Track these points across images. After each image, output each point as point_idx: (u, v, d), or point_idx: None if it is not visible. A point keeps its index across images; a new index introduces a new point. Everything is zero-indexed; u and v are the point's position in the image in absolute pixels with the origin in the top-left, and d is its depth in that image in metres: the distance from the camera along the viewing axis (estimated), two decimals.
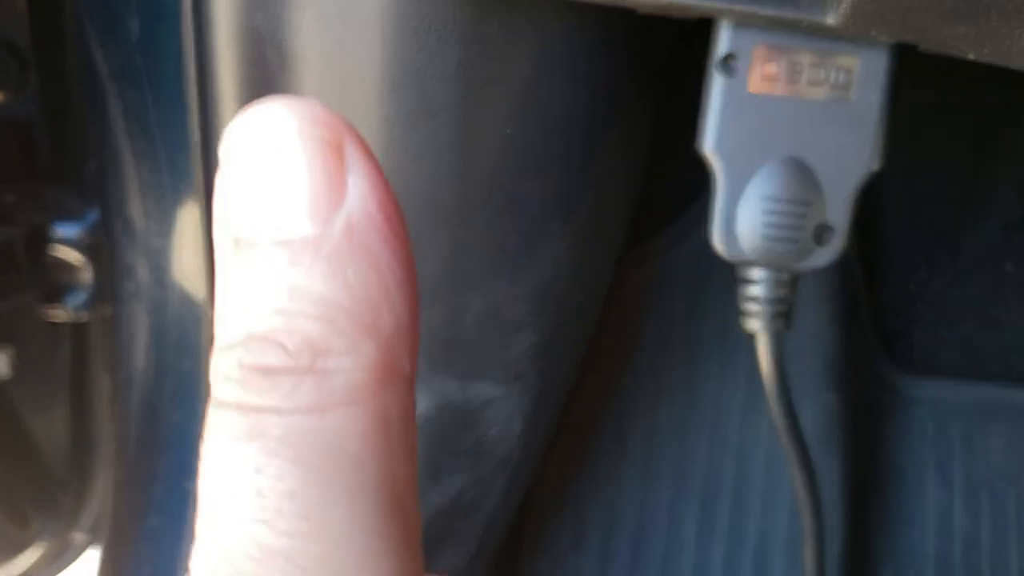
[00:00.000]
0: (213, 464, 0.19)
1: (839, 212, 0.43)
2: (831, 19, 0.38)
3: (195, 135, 0.46)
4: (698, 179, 0.44)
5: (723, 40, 0.41)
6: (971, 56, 0.39)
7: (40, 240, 0.57)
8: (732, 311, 0.48)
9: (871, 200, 0.75)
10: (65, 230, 0.57)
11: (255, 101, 0.19)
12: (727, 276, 0.48)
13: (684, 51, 0.50)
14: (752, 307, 0.46)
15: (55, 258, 0.57)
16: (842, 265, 0.74)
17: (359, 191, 0.19)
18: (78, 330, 0.61)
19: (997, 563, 0.75)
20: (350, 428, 0.19)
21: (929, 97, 0.72)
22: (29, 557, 0.63)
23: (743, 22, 0.41)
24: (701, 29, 0.43)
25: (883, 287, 0.79)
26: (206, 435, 0.19)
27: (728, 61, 0.42)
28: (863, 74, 0.41)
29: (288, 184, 0.19)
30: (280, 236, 0.19)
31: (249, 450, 0.18)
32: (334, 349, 0.19)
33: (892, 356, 0.79)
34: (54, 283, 0.57)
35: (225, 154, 0.19)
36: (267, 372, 0.19)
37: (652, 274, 0.75)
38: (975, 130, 0.76)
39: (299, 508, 0.18)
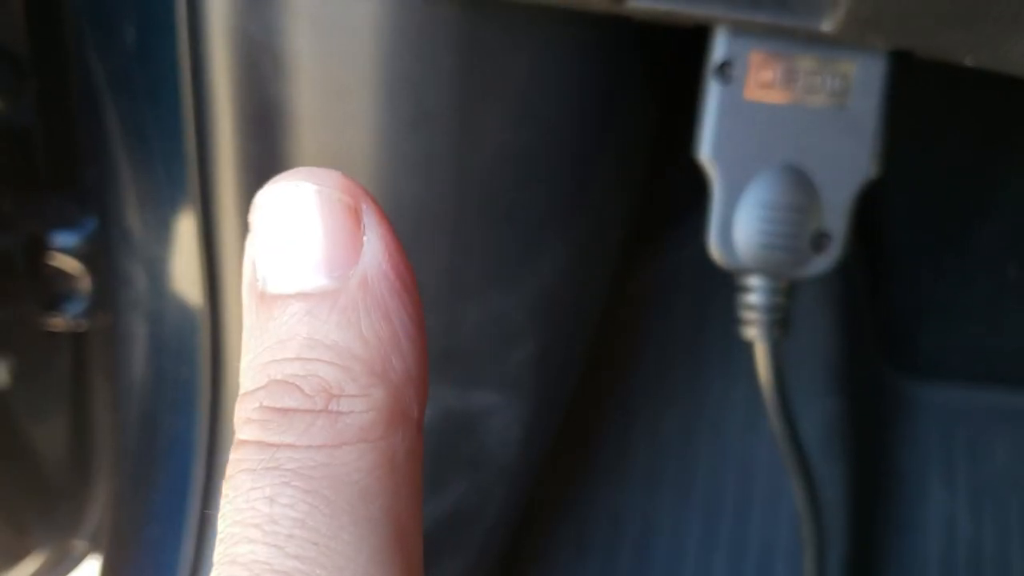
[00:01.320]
0: (231, 494, 0.20)
1: (837, 219, 0.42)
2: (827, 26, 0.38)
3: (191, 143, 0.46)
4: (702, 183, 0.44)
5: (719, 47, 0.41)
6: (967, 62, 0.38)
7: (38, 249, 0.57)
8: (734, 317, 0.48)
9: (875, 203, 0.75)
10: (63, 239, 0.57)
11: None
12: (730, 281, 0.48)
13: (684, 56, 0.49)
14: (750, 315, 0.46)
15: (53, 267, 0.57)
16: (845, 269, 0.74)
17: (374, 250, 0.21)
18: (77, 339, 0.61)
19: (1001, 569, 0.75)
20: (359, 464, 0.20)
21: (934, 99, 0.71)
22: (29, 565, 0.63)
23: (739, 29, 0.41)
24: (699, 35, 0.43)
25: (887, 291, 0.78)
26: (228, 470, 0.21)
27: (724, 68, 0.41)
28: (860, 80, 0.41)
29: (309, 242, 0.21)
30: (300, 288, 0.21)
31: (265, 481, 0.20)
32: (347, 392, 0.20)
33: (896, 360, 0.79)
34: (53, 292, 0.57)
35: (253, 218, 0.22)
36: (285, 412, 0.20)
37: (655, 279, 0.75)
38: (980, 133, 0.76)
39: (308, 535, 0.20)
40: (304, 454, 0.20)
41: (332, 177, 0.21)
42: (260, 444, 0.20)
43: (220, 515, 0.21)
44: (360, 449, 0.20)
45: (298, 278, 0.21)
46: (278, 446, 0.20)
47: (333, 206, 0.21)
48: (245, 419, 0.21)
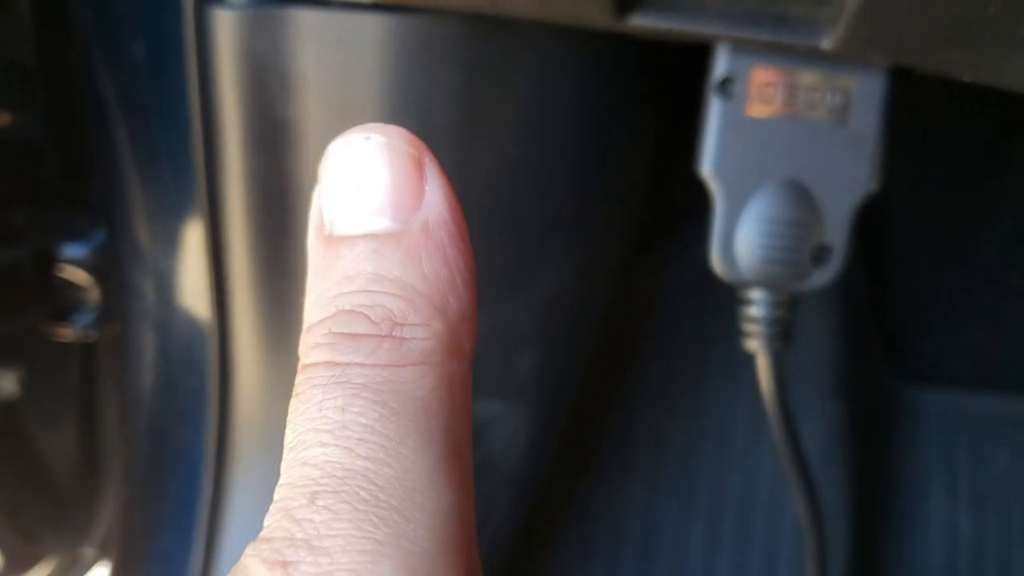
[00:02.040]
0: (302, 407, 0.22)
1: (837, 233, 0.43)
2: (827, 43, 0.38)
3: (199, 158, 0.47)
4: (702, 193, 0.45)
5: (720, 64, 0.42)
6: (966, 78, 0.39)
7: (48, 261, 0.57)
8: (737, 326, 0.49)
9: (877, 211, 0.75)
10: (72, 251, 0.57)
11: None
12: (732, 291, 0.48)
13: (686, 72, 0.50)
14: (752, 328, 0.46)
15: (62, 278, 0.57)
16: (847, 276, 0.74)
17: (435, 198, 0.23)
18: (86, 349, 0.61)
19: (1003, 573, 0.75)
20: (421, 382, 0.22)
21: (935, 108, 0.72)
22: (38, 574, 0.64)
23: (740, 46, 0.41)
24: (700, 52, 0.43)
25: (889, 298, 0.79)
26: (295, 389, 0.22)
27: (726, 85, 0.42)
28: (860, 96, 0.42)
29: (376, 188, 0.23)
30: (367, 230, 0.23)
31: (336, 393, 0.22)
32: (409, 321, 0.22)
33: (898, 367, 0.79)
34: (62, 303, 0.58)
35: (323, 168, 0.23)
36: (353, 337, 0.22)
37: (657, 289, 0.75)
38: (981, 140, 0.76)
39: (378, 439, 0.21)
40: (372, 371, 0.22)
41: (398, 131, 0.23)
42: (330, 363, 0.22)
43: (289, 427, 0.22)
44: (422, 370, 0.22)
45: (365, 220, 0.23)
46: (347, 364, 0.22)
47: (400, 156, 0.23)
48: (313, 344, 0.22)
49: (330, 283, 0.23)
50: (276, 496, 0.21)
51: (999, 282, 0.78)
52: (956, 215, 0.78)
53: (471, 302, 0.23)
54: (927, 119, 0.72)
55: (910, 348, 0.79)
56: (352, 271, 0.23)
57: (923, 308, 0.79)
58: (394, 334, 0.22)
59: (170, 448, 0.58)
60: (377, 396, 0.21)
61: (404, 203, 0.23)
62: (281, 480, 0.22)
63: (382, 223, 0.23)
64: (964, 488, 0.77)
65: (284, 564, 0.20)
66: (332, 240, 0.23)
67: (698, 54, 0.44)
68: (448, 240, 0.23)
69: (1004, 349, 0.79)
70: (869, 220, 0.43)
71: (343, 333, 0.22)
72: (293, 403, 0.22)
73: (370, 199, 0.23)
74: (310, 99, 0.44)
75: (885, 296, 0.79)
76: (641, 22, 0.39)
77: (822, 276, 0.44)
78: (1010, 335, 0.79)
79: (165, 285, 0.55)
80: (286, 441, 0.22)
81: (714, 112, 0.42)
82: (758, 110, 0.42)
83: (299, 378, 0.22)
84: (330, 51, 0.43)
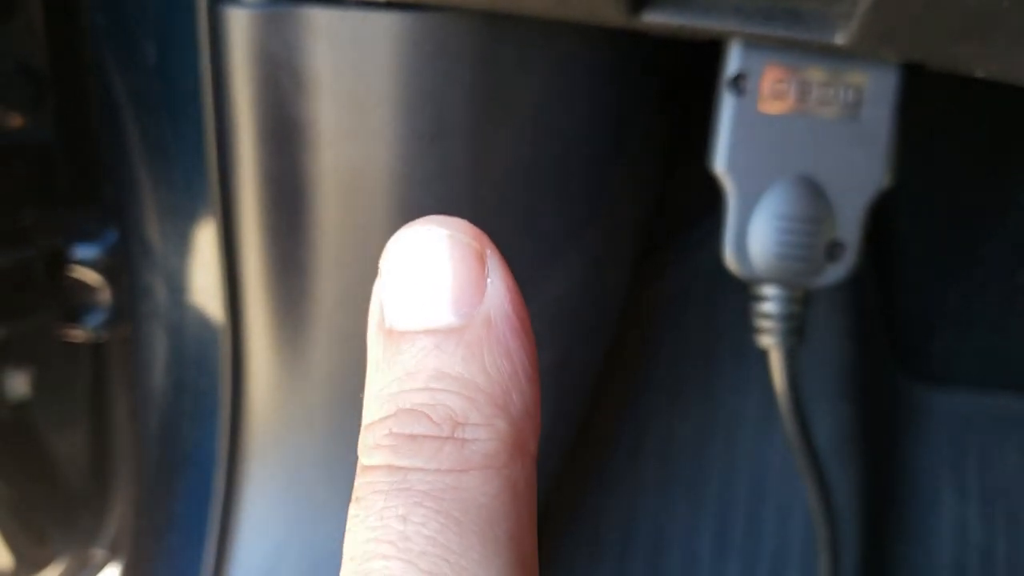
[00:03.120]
0: (362, 514, 0.21)
1: (850, 229, 0.43)
2: (840, 39, 0.38)
3: (212, 158, 0.47)
4: (714, 191, 0.45)
5: (733, 60, 0.42)
6: (978, 74, 0.39)
7: (59, 261, 0.57)
8: (747, 324, 0.49)
9: (887, 212, 0.75)
10: (84, 251, 0.57)
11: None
12: (743, 289, 0.48)
13: (698, 69, 0.50)
14: (765, 324, 0.46)
15: (74, 279, 0.57)
16: (857, 277, 0.74)
17: (497, 291, 0.23)
18: (97, 350, 0.61)
19: (1013, 573, 0.75)
20: (485, 488, 0.22)
21: (944, 108, 0.72)
22: (50, 574, 0.64)
23: (753, 43, 0.41)
24: (713, 48, 0.43)
25: (899, 298, 0.79)
26: (355, 493, 0.22)
27: (738, 81, 0.42)
28: (872, 92, 0.42)
29: (438, 282, 0.22)
30: (429, 325, 0.22)
31: (397, 501, 0.21)
32: (472, 421, 0.22)
33: (907, 367, 0.79)
34: (73, 304, 0.58)
35: (385, 260, 0.23)
36: (415, 438, 0.22)
37: (668, 287, 0.75)
38: (990, 141, 0.76)
39: (440, 551, 0.21)
40: (434, 477, 0.21)
41: (460, 224, 0.23)
42: (391, 468, 0.21)
43: (348, 534, 0.22)
44: (486, 475, 0.21)
45: (427, 315, 0.22)
46: (409, 469, 0.21)
47: (462, 249, 0.23)
48: (374, 445, 0.22)
49: (391, 379, 0.22)
50: None
51: (1008, 283, 0.78)
52: (965, 216, 0.78)
53: (535, 398, 0.23)
54: (937, 119, 0.72)
55: (919, 348, 0.79)
56: (413, 367, 0.22)
57: (932, 309, 0.79)
58: (456, 435, 0.22)
59: (181, 449, 0.58)
60: (439, 505, 0.21)
61: (466, 297, 0.22)
62: None
63: (444, 318, 0.22)
64: (973, 488, 0.77)
65: None
66: (393, 335, 0.23)
67: (709, 51, 0.44)
68: (511, 334, 0.22)
69: (1013, 349, 0.79)
70: (878, 223, 0.43)
71: (404, 434, 0.22)
72: (353, 508, 0.22)
73: (432, 293, 0.22)
74: (324, 98, 0.44)
75: (894, 297, 0.79)
76: (655, 19, 0.39)
77: (835, 272, 0.44)
78: (1019, 335, 0.79)
79: (177, 285, 0.55)
80: (345, 548, 0.22)
81: (727, 109, 0.42)
82: (771, 106, 0.42)
83: (359, 481, 0.22)
84: (344, 50, 0.43)
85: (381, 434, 0.22)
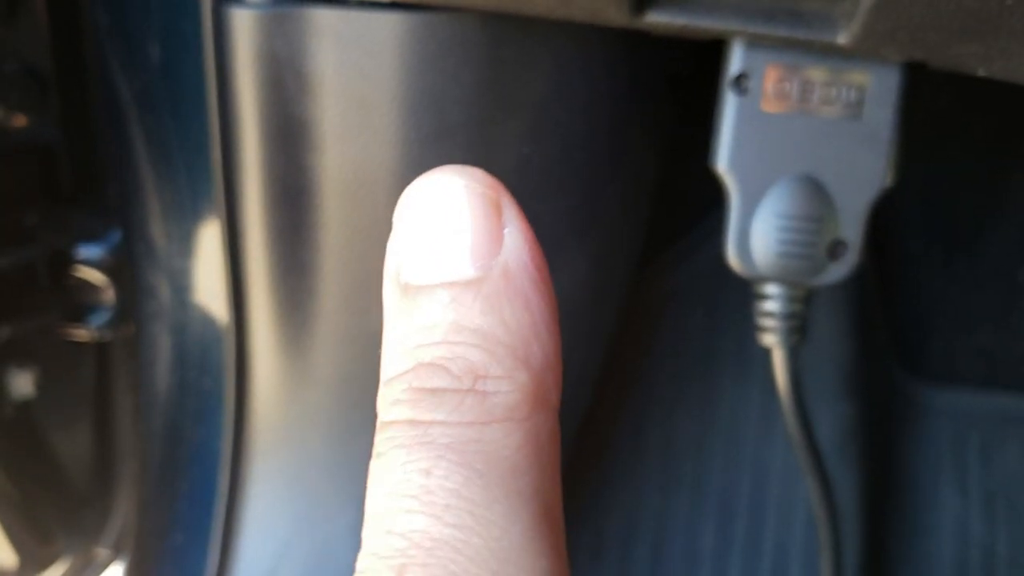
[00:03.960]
0: (384, 470, 0.21)
1: (852, 228, 0.43)
2: (842, 39, 0.38)
3: (216, 158, 0.47)
4: (715, 191, 0.45)
5: (736, 60, 0.42)
6: (980, 73, 0.39)
7: (63, 261, 0.57)
8: (748, 323, 0.49)
9: (887, 210, 0.75)
10: (88, 251, 0.57)
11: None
12: (744, 288, 0.48)
13: (701, 67, 0.50)
14: (767, 322, 0.46)
15: (78, 279, 0.58)
16: (858, 275, 0.75)
17: (515, 242, 0.22)
18: (101, 350, 0.61)
19: (1014, 571, 0.75)
20: (508, 441, 0.21)
21: (945, 106, 0.72)
22: (54, 573, 0.64)
23: (755, 42, 0.41)
24: (715, 47, 0.43)
25: (900, 297, 0.79)
26: (376, 449, 0.22)
27: (741, 80, 0.42)
28: (875, 92, 0.42)
29: (455, 234, 0.22)
30: (447, 278, 0.22)
31: (418, 455, 0.21)
32: (492, 374, 0.21)
33: (909, 365, 0.80)
34: (77, 303, 0.58)
35: (399, 213, 0.23)
36: (434, 392, 0.21)
37: (669, 287, 0.76)
38: (991, 139, 0.76)
39: (464, 505, 0.20)
40: (456, 430, 0.21)
41: (476, 172, 0.22)
42: (412, 422, 0.21)
43: (370, 491, 0.21)
44: (508, 427, 0.21)
45: (444, 268, 0.22)
46: (430, 423, 0.21)
47: (478, 199, 0.22)
48: (393, 400, 0.22)
49: (408, 334, 0.22)
50: (360, 567, 0.21)
51: (1009, 281, 0.78)
52: (966, 214, 0.78)
53: (556, 349, 0.22)
54: (938, 118, 0.72)
55: (920, 347, 0.80)
56: (431, 321, 0.22)
57: (933, 307, 0.79)
58: (477, 388, 0.21)
59: (185, 448, 0.58)
60: (462, 458, 0.21)
61: (484, 248, 0.22)
62: (365, 548, 0.21)
63: (462, 270, 0.22)
64: (974, 486, 0.77)
65: None
66: (409, 289, 0.22)
67: (712, 52, 0.44)
68: (530, 285, 0.22)
69: (1014, 347, 0.79)
70: (879, 221, 0.43)
71: (424, 388, 0.21)
72: (374, 464, 0.22)
73: (448, 245, 0.22)
74: (328, 98, 0.44)
75: (895, 295, 0.79)
76: (658, 19, 0.39)
77: (838, 270, 0.44)
78: (1020, 334, 0.79)
79: (181, 285, 0.55)
80: (368, 505, 0.21)
81: (729, 108, 0.43)
82: (773, 106, 0.42)
83: (380, 437, 0.22)
84: (348, 50, 0.43)
85: (400, 389, 0.22)
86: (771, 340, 0.47)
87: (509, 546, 0.20)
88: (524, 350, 0.22)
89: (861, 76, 0.42)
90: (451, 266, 0.22)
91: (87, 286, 0.58)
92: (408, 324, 0.22)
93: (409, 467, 0.21)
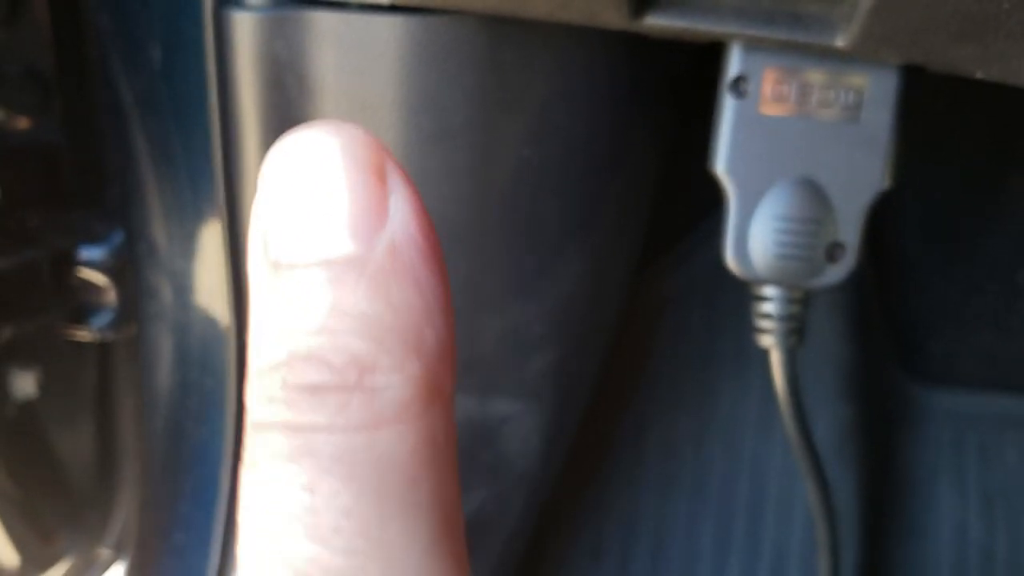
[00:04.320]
0: (258, 486, 0.18)
1: (850, 230, 0.43)
2: (841, 42, 0.39)
3: (217, 159, 0.47)
4: (714, 192, 0.45)
5: (734, 63, 0.42)
6: (979, 75, 0.39)
7: (65, 262, 0.58)
8: (747, 324, 0.49)
9: (886, 211, 0.75)
10: (90, 252, 0.58)
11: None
12: (742, 290, 0.49)
13: (700, 69, 0.50)
14: (765, 324, 0.47)
15: (80, 280, 0.58)
16: (856, 277, 0.75)
17: (401, 213, 0.19)
18: (103, 350, 0.62)
19: (1013, 573, 0.75)
20: (401, 446, 0.18)
21: (944, 106, 0.72)
22: (55, 573, 0.64)
23: (754, 45, 0.41)
24: (714, 50, 0.43)
25: (898, 297, 0.79)
26: (247, 458, 0.19)
27: (739, 83, 0.42)
28: (873, 94, 0.42)
29: (331, 204, 0.19)
30: (323, 256, 0.19)
31: (299, 469, 0.18)
32: (381, 366, 0.18)
33: (907, 366, 0.80)
34: (79, 304, 0.58)
35: (265, 176, 0.19)
36: (314, 390, 0.18)
37: (668, 289, 0.76)
38: (990, 139, 0.76)
39: (356, 526, 0.18)
40: (341, 438, 0.18)
41: (354, 131, 0.19)
42: (290, 426, 0.18)
43: (244, 508, 0.19)
44: (400, 431, 0.18)
45: (320, 244, 0.19)
46: (311, 429, 0.18)
47: (358, 164, 0.19)
48: (267, 397, 0.19)
49: (280, 319, 0.19)
50: None
51: (1008, 283, 0.78)
52: (965, 215, 0.78)
53: (449, 331, 0.19)
54: (937, 120, 0.72)
55: (919, 348, 0.80)
56: (306, 306, 0.18)
57: (932, 308, 0.79)
58: (364, 384, 0.18)
59: (187, 448, 0.58)
60: (351, 471, 0.18)
61: (366, 220, 0.19)
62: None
63: (341, 247, 0.18)
64: (974, 488, 0.77)
65: None
66: (280, 267, 0.19)
67: (710, 54, 0.44)
68: (420, 260, 0.19)
69: (1014, 349, 0.79)
70: (878, 222, 0.43)
71: (302, 385, 0.18)
72: (248, 474, 0.19)
73: (326, 218, 0.19)
74: (328, 101, 0.44)
75: (894, 297, 0.79)
76: (657, 22, 0.39)
77: (836, 273, 0.44)
78: (1020, 335, 0.79)
79: (182, 286, 0.56)
80: (243, 523, 0.19)
81: (727, 111, 0.43)
82: (771, 109, 0.42)
83: (252, 439, 0.19)
84: (348, 53, 0.43)
85: (274, 384, 0.18)
86: (769, 342, 0.47)
87: (408, 568, 0.18)
88: (415, 336, 0.19)
89: (859, 79, 0.42)
90: (328, 241, 0.19)
91: (89, 287, 0.58)
92: (280, 305, 0.19)
93: (290, 482, 0.18)
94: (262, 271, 0.19)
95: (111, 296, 0.58)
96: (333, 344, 0.18)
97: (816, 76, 0.42)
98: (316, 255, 0.19)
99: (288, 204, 0.19)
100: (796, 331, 0.47)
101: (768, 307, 0.46)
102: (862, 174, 0.43)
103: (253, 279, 0.20)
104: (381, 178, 0.19)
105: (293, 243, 0.19)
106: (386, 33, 0.43)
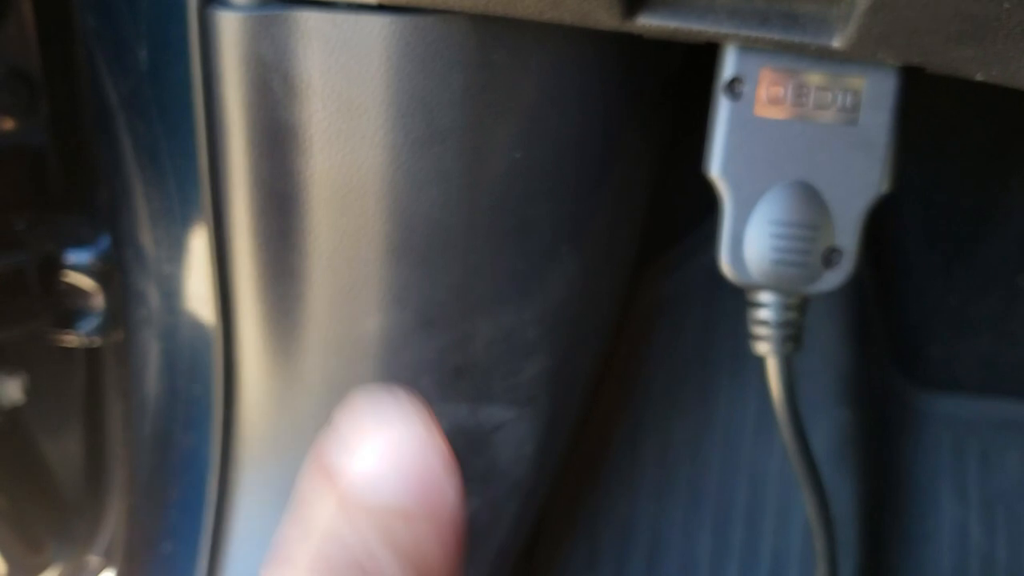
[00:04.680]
0: None
1: (848, 235, 0.42)
2: (837, 42, 0.38)
3: (203, 162, 0.47)
4: (709, 197, 0.44)
5: (729, 64, 0.41)
6: (978, 77, 0.39)
7: (52, 267, 0.57)
8: (743, 330, 0.48)
9: (885, 215, 0.75)
10: (77, 257, 0.57)
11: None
12: (739, 294, 0.48)
13: (695, 69, 0.50)
14: (761, 330, 0.46)
15: (67, 284, 0.57)
16: (855, 281, 0.74)
17: (453, 492, 0.23)
18: (90, 355, 0.61)
19: None
20: None
21: (944, 109, 0.71)
22: None
23: (749, 46, 0.41)
24: (710, 51, 0.43)
25: (898, 302, 0.78)
26: None
27: (734, 85, 0.41)
28: (870, 96, 0.41)
29: (405, 468, 0.23)
30: (391, 504, 0.22)
31: None
32: None
33: (907, 372, 0.79)
34: (66, 309, 0.58)
35: (349, 431, 0.24)
36: None
37: (663, 294, 0.75)
38: (989, 144, 0.76)
39: None
40: None
41: (427, 432, 0.23)
42: None
43: None
44: None
45: (387, 492, 0.22)
46: None
47: (433, 455, 0.23)
48: None
49: (326, 532, 0.22)
50: None
51: (1008, 287, 0.78)
52: (965, 219, 0.78)
53: None
54: (936, 122, 0.71)
55: (919, 353, 0.79)
56: (352, 540, 0.22)
57: (932, 313, 0.79)
58: None
59: (175, 455, 0.57)
60: None
61: (427, 490, 0.23)
62: None
63: (401, 501, 0.22)
64: (974, 493, 0.76)
65: None
66: (347, 500, 0.23)
67: (706, 55, 0.43)
68: (453, 541, 0.23)
69: (1013, 353, 0.78)
70: (877, 226, 0.43)
71: None
72: None
73: (394, 474, 0.23)
74: (315, 101, 0.44)
75: (894, 301, 0.78)
76: (649, 22, 0.38)
77: (833, 278, 0.43)
78: (1019, 340, 0.78)
79: (170, 291, 0.55)
80: None
81: (722, 113, 0.42)
82: (767, 111, 0.41)
83: None
84: (335, 53, 0.43)
85: None
86: (765, 348, 0.46)
87: None
88: None
89: (857, 80, 0.41)
90: (393, 493, 0.22)
91: (76, 291, 0.58)
92: (331, 521, 0.22)
93: None
94: (324, 488, 0.24)
95: (98, 301, 0.57)
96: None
97: (813, 77, 0.41)
98: (387, 501, 0.22)
99: (364, 452, 0.23)
100: (793, 338, 0.46)
101: (764, 313, 0.45)
102: (860, 178, 0.42)
103: (308, 486, 0.24)
104: (445, 466, 0.23)
105: (365, 484, 0.23)
106: (374, 33, 0.42)
